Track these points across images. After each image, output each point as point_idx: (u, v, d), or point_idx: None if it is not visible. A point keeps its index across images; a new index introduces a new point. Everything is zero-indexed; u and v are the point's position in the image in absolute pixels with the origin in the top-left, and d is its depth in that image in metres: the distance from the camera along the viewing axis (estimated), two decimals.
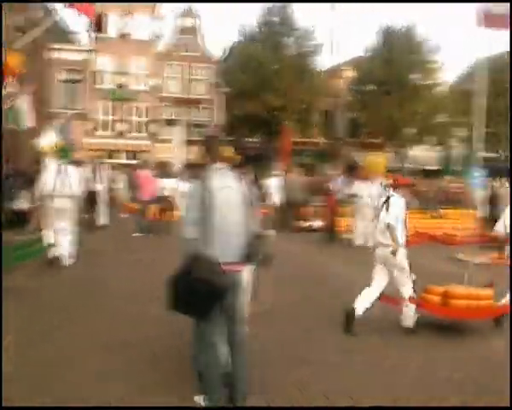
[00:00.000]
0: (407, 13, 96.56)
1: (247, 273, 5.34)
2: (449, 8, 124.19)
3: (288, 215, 21.97)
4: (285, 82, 37.38)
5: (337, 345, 7.43)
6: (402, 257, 8.13)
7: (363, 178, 18.70)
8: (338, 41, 69.75)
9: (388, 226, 8.01)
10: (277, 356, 6.82)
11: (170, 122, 43.41)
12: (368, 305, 8.11)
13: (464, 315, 8.42)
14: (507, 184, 28.13)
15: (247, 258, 5.06)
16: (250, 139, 42.01)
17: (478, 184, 10.09)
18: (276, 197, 22.14)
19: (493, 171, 31.62)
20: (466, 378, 6.37)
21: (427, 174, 42.00)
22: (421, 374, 6.47)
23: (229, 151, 5.44)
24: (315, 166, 46.20)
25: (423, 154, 46.40)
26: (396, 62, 41.48)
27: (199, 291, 4.62)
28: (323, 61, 42.34)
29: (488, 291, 8.62)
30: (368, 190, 17.64)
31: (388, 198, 8.28)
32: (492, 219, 18.80)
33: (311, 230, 21.06)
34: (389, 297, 8.44)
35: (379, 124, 42.61)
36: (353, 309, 7.99)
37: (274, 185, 22.53)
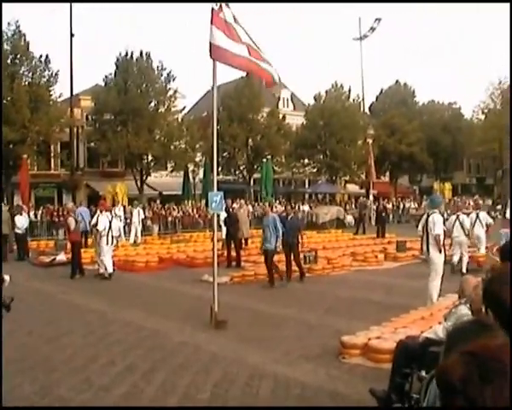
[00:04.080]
0: (143, 41, 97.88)
1: None
2: (184, 36, 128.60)
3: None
4: (21, 114, 35.60)
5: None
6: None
7: (105, 209, 18.69)
8: (77, 69, 68.18)
9: None
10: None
11: None
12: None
13: None
14: (246, 206, 29.89)
15: None
16: None
17: (217, 206, 10.60)
18: None
19: (231, 193, 33.38)
20: None
21: (167, 199, 43.02)
22: None
23: None
24: (56, 198, 45.17)
25: (163, 180, 47.36)
26: (131, 91, 41.88)
27: None
28: (62, 90, 41.04)
29: None
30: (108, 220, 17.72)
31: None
32: (230, 239, 19.93)
33: (55, 264, 20.40)
34: None
35: (118, 153, 42.62)
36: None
37: None
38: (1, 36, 12.05)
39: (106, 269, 17.51)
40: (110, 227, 17.64)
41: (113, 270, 17.62)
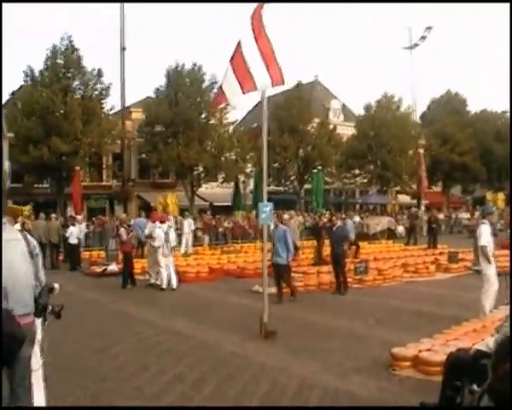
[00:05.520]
0: (193, 52, 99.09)
1: (38, 325, 5.21)
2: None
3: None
4: (74, 126, 36.41)
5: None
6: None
7: (157, 220, 18.82)
8: (128, 82, 69.44)
9: None
10: None
11: None
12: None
13: None
14: (296, 217, 29.91)
15: (38, 310, 4.94)
16: (39, 186, 40.42)
17: (266, 218, 10.63)
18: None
19: (281, 203, 33.39)
20: None
21: (218, 210, 43.20)
22: None
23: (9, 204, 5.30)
24: (107, 209, 45.94)
25: (213, 191, 47.61)
26: (182, 103, 42.30)
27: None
28: (113, 103, 41.88)
29: None
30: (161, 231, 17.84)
31: None
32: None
33: (107, 274, 20.71)
34: None
35: (169, 164, 43.00)
36: None
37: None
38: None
39: (158, 280, 17.74)
40: (167, 239, 17.83)
41: (178, 283, 17.69)
